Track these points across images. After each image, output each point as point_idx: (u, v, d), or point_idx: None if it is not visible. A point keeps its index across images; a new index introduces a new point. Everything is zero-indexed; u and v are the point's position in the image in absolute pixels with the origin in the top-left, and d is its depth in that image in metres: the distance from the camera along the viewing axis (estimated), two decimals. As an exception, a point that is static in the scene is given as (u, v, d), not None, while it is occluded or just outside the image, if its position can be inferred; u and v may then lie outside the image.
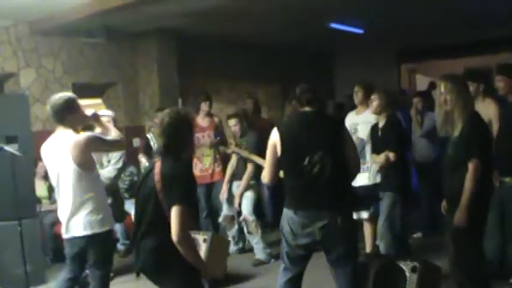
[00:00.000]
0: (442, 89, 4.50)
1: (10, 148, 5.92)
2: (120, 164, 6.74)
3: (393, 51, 12.78)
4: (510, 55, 10.18)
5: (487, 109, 5.41)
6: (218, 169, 7.96)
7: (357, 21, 9.83)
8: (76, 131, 4.61)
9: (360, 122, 6.61)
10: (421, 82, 14.46)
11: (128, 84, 9.78)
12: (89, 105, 10.16)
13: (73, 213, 4.51)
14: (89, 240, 4.52)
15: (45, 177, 7.98)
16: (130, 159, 7.95)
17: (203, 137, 7.96)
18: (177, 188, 3.60)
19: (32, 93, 8.28)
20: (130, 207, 6.79)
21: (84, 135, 4.55)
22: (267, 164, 4.46)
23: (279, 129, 4.35)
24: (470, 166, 4.25)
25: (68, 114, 4.58)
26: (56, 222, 7.56)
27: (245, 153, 6.96)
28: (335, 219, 4.06)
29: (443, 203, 4.68)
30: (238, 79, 11.12)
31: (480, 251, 4.61)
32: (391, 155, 5.92)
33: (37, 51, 8.61)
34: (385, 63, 12.70)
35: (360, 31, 10.51)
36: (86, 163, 4.49)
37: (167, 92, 9.62)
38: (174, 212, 3.55)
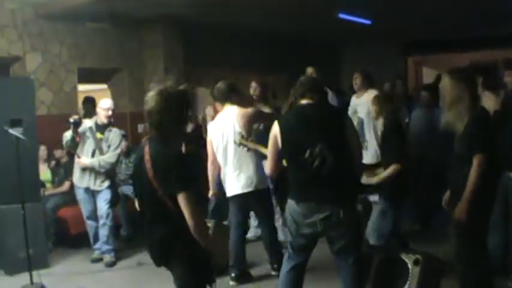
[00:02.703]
0: (448, 83, 4.49)
1: (14, 131, 5.92)
2: (119, 150, 6.77)
3: (400, 44, 12.74)
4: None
5: (486, 102, 5.38)
6: None
7: (364, 11, 9.78)
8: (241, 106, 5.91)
9: (359, 104, 7.20)
10: (428, 75, 14.41)
11: (133, 71, 9.76)
12: (94, 91, 10.21)
13: (238, 174, 5.72)
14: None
15: (48, 160, 8.03)
16: (135, 145, 7.93)
17: None
18: (176, 176, 3.44)
19: (37, 78, 8.26)
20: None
21: (249, 109, 5.99)
22: (268, 155, 4.50)
23: (279, 122, 4.36)
24: (475, 161, 4.23)
25: (232, 94, 5.99)
26: (60, 206, 7.61)
27: (251, 145, 6.89)
28: (337, 212, 4.06)
29: (445, 197, 4.65)
30: (245, 69, 11.07)
31: (483, 246, 4.60)
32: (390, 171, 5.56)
33: (43, 36, 8.58)
34: (391, 55, 12.66)
35: (368, 22, 10.45)
36: (249, 130, 5.82)
37: (172, 80, 9.59)
38: (182, 200, 3.42)
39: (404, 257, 4.80)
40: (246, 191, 5.74)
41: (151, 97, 3.58)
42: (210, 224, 5.89)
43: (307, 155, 4.05)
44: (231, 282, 5.92)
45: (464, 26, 10.91)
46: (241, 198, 5.82)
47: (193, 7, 8.44)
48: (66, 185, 7.76)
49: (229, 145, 5.80)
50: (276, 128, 4.33)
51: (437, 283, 4.82)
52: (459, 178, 4.33)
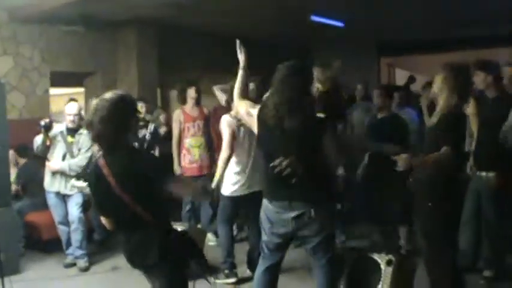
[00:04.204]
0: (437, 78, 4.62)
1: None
2: (89, 153, 6.68)
3: (373, 45, 12.81)
4: (489, 52, 10.23)
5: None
6: (207, 162, 7.63)
7: (337, 14, 9.83)
8: None
9: None
10: (401, 76, 14.52)
11: (107, 74, 9.71)
12: (68, 94, 10.12)
13: (251, 174, 5.75)
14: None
15: (17, 165, 7.92)
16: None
17: (193, 127, 7.70)
18: (147, 186, 3.43)
19: (8, 81, 8.18)
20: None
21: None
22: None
23: (259, 114, 4.30)
24: (442, 150, 4.31)
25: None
26: (27, 210, 7.51)
27: None
28: (309, 211, 4.06)
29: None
30: (220, 71, 11.03)
31: (451, 245, 4.65)
32: None
33: (15, 39, 8.51)
34: (364, 57, 12.71)
35: (340, 24, 10.50)
36: None
37: (146, 82, 9.56)
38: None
39: (377, 257, 4.82)
40: (252, 191, 5.72)
41: (91, 109, 3.49)
42: (184, 227, 5.86)
43: (277, 162, 3.98)
44: (225, 279, 5.93)
45: (437, 27, 11.01)
46: (243, 198, 5.81)
47: (167, 9, 8.42)
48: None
49: (251, 146, 5.76)
50: (255, 115, 4.30)
51: (410, 283, 4.86)
52: (426, 175, 4.39)
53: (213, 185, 5.64)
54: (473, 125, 5.56)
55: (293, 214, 4.10)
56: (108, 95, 3.52)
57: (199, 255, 3.76)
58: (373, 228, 6.81)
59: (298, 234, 4.21)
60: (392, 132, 6.45)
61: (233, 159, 5.77)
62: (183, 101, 7.80)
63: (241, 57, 4.75)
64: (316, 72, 4.87)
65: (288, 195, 4.10)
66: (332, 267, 4.29)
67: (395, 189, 6.10)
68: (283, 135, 4.06)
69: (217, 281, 5.89)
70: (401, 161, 4.39)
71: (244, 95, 4.66)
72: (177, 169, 7.56)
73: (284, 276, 4.95)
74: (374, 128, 6.73)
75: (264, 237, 4.38)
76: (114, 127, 3.43)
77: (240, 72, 4.72)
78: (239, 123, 5.67)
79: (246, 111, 4.44)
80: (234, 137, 5.73)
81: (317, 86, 5.02)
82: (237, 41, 4.75)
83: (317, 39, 12.51)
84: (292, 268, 6.03)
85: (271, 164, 4.01)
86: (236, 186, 5.79)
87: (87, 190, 6.20)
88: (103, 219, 3.73)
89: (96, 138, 3.49)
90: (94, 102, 3.50)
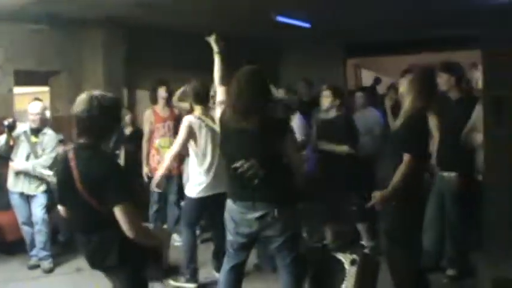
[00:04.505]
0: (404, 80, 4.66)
1: None
2: (54, 153, 6.60)
3: (340, 46, 12.86)
4: (454, 54, 10.36)
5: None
6: (177, 163, 7.48)
7: (304, 14, 9.86)
8: None
9: None
10: (367, 77, 14.63)
11: (73, 73, 9.59)
12: (34, 93, 10.00)
13: (214, 176, 5.68)
14: None
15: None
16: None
17: (163, 128, 7.68)
18: (112, 188, 3.34)
19: (-30, 81, 8.07)
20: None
21: None
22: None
23: (221, 116, 4.36)
24: (405, 159, 4.34)
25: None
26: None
27: None
28: (272, 211, 4.09)
29: (375, 194, 4.56)
30: (190, 71, 10.99)
31: (413, 245, 4.71)
32: None
33: (-22, 37, 8.39)
34: (331, 58, 12.76)
35: (307, 25, 10.53)
36: None
37: (112, 82, 9.48)
38: (119, 213, 3.32)
39: (341, 257, 4.86)
40: (216, 192, 5.60)
41: (82, 100, 3.49)
42: (150, 228, 5.85)
43: (238, 165, 4.02)
44: (185, 284, 5.86)
45: (404, 29, 11.10)
46: (208, 200, 5.75)
47: (136, 9, 8.37)
48: None
49: (215, 147, 5.61)
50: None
51: (374, 282, 4.90)
52: (390, 176, 4.44)
53: (154, 183, 5.67)
54: (434, 126, 5.63)
55: (257, 214, 4.13)
56: (106, 93, 3.61)
57: (156, 257, 3.75)
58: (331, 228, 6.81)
59: (262, 234, 4.24)
60: (340, 132, 6.50)
61: (197, 161, 5.74)
62: (154, 101, 7.77)
63: (215, 45, 4.73)
64: None
65: (251, 196, 4.12)
66: (296, 267, 4.32)
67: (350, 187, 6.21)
68: (244, 137, 4.10)
69: (176, 284, 5.87)
70: (375, 199, 4.44)
71: (223, 82, 4.67)
72: (145, 169, 7.53)
73: (249, 275, 4.96)
74: (322, 129, 6.75)
75: (229, 237, 4.40)
76: (106, 124, 3.50)
77: (216, 59, 4.74)
78: (203, 124, 5.66)
79: (220, 101, 4.48)
80: (194, 138, 5.69)
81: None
82: (214, 34, 4.76)
83: (284, 40, 12.55)
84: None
85: (233, 166, 4.05)
86: (201, 188, 5.74)
87: (52, 180, 6.17)
88: (60, 208, 3.72)
89: (87, 132, 3.47)
90: (87, 94, 3.53)
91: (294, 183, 4.30)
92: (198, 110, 5.81)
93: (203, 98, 5.89)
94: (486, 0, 8.07)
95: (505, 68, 4.26)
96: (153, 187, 5.75)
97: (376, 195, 4.43)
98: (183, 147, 5.73)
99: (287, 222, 4.16)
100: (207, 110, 5.85)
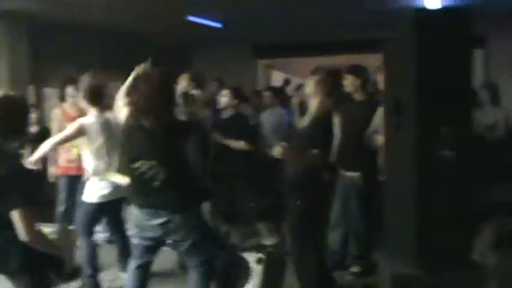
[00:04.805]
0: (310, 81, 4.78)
1: None
2: None
3: (250, 47, 12.94)
4: (362, 56, 10.58)
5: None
6: None
7: (215, 15, 9.87)
8: None
9: None
10: (278, 79, 14.79)
11: (-26, 70, 9.26)
12: None
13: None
14: None
15: None
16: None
17: None
18: (13, 190, 3.26)
19: None
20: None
21: None
22: None
23: (123, 118, 4.28)
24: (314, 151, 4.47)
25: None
26: None
27: None
28: (174, 218, 4.06)
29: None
30: (97, 69, 10.79)
31: (323, 243, 4.82)
32: None
33: None
34: (242, 59, 12.83)
35: (218, 25, 10.55)
36: None
37: (17, 79, 9.20)
38: (18, 216, 3.23)
39: (247, 256, 4.91)
40: (114, 197, 5.48)
41: None
42: (53, 228, 5.67)
43: (137, 166, 4.00)
44: None
45: (314, 30, 11.28)
46: (106, 204, 5.57)
47: (41, 4, 8.16)
48: None
49: (113, 151, 5.45)
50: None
51: (281, 280, 4.98)
52: (295, 172, 4.53)
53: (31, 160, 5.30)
54: (338, 126, 5.76)
55: (159, 221, 4.09)
56: (10, 92, 3.62)
57: (59, 261, 3.66)
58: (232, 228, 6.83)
59: (167, 239, 4.21)
60: (237, 130, 6.61)
61: (93, 165, 5.54)
62: (62, 99, 7.58)
63: None
64: None
65: (153, 202, 4.08)
66: (206, 268, 4.31)
67: (250, 186, 6.28)
68: (145, 138, 4.05)
69: None
70: (278, 149, 4.51)
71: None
72: (52, 169, 7.31)
73: (158, 276, 4.93)
74: (219, 128, 6.80)
75: (133, 240, 4.36)
76: (9, 124, 3.43)
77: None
78: (99, 126, 5.48)
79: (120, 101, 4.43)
80: (89, 139, 5.44)
81: None
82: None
83: (196, 40, 12.51)
84: (166, 268, 6.03)
85: (133, 167, 4.01)
86: (99, 192, 5.52)
87: None
88: None
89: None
90: None
91: (197, 185, 4.30)
92: (92, 110, 5.55)
93: (97, 97, 5.58)
94: (395, 4, 8.37)
95: (403, 71, 4.40)
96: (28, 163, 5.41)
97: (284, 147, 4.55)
98: (63, 142, 5.60)
99: (191, 228, 4.14)
100: (104, 110, 5.59)
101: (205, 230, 4.45)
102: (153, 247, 4.37)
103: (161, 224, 4.08)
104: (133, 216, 4.23)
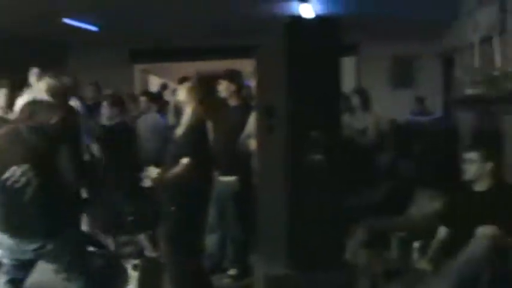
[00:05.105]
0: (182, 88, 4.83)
1: None
2: None
3: (126, 51, 12.81)
4: (239, 62, 10.71)
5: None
6: None
7: (92, 18, 9.68)
8: None
9: None
10: (156, 83, 14.70)
11: None
12: None
13: None
14: None
15: None
16: None
17: None
18: None
19: None
20: None
21: None
22: None
23: None
24: (182, 162, 4.52)
25: None
26: None
27: None
28: (48, 243, 3.80)
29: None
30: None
31: (199, 247, 4.86)
32: None
33: None
34: (119, 63, 12.68)
35: (95, 29, 10.37)
36: None
37: None
38: None
39: (125, 263, 4.87)
40: None
41: None
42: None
43: (7, 174, 3.65)
44: None
45: (193, 36, 11.32)
46: None
47: None
48: None
49: None
50: None
51: (158, 286, 4.97)
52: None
53: None
54: (213, 132, 5.81)
55: (32, 247, 3.82)
56: None
57: None
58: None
59: (41, 260, 4.01)
60: (120, 139, 6.58)
61: None
62: None
63: None
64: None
65: (21, 228, 3.77)
66: (85, 281, 4.10)
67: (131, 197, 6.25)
68: (15, 144, 3.83)
69: None
70: (149, 177, 4.52)
71: None
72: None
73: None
74: (103, 138, 6.70)
75: (3, 259, 4.05)
76: None
77: None
78: None
79: None
80: None
81: None
82: None
83: (72, 42, 12.23)
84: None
85: (4, 177, 3.67)
86: None
87: None
88: None
89: None
90: None
91: (72, 198, 4.16)
92: None
93: None
94: (270, 11, 8.55)
95: (275, 77, 4.50)
96: None
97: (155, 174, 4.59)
98: None
99: (66, 249, 3.92)
100: None
101: (82, 246, 4.33)
102: (25, 266, 4.07)
103: (34, 250, 3.83)
104: (2, 240, 3.87)
